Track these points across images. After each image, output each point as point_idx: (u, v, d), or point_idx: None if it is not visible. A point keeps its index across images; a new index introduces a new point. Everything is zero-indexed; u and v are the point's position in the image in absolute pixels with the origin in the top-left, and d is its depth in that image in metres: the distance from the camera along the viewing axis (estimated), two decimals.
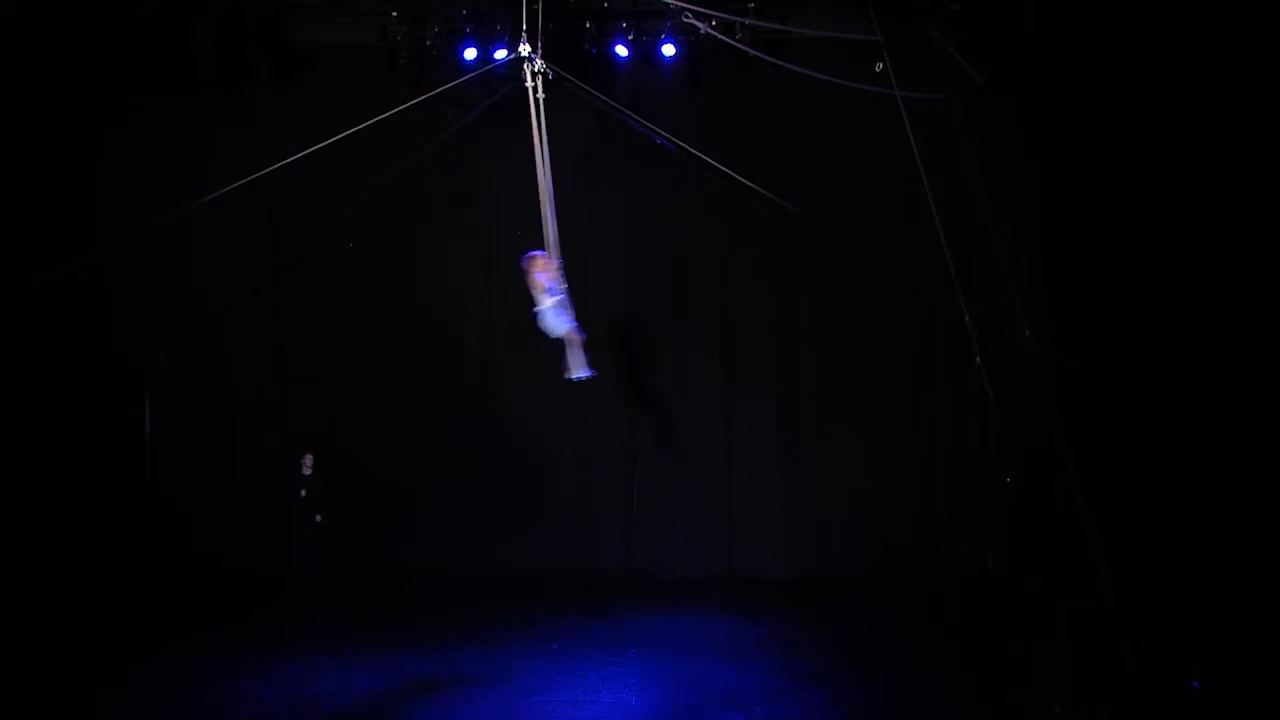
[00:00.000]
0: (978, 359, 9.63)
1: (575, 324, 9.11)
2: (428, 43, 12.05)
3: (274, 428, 12.76)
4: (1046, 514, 9.46)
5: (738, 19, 11.33)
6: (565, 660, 9.75)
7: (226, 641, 10.12)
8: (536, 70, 9.14)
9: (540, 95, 9.05)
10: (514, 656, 9.79)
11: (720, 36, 11.31)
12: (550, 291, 8.97)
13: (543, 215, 9.05)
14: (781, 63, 11.51)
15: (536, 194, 12.50)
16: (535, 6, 9.34)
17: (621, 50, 12.01)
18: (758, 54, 11.48)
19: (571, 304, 8.98)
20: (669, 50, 11.99)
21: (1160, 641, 8.75)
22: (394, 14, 11.94)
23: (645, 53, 12.09)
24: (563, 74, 9.62)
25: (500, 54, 11.51)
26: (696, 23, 11.23)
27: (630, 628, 10.70)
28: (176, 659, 9.67)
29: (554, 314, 8.99)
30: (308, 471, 11.95)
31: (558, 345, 9.29)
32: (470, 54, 11.92)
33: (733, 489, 12.58)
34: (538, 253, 9.10)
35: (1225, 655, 8.64)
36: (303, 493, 11.87)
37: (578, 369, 9.19)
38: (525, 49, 9.23)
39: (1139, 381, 10.81)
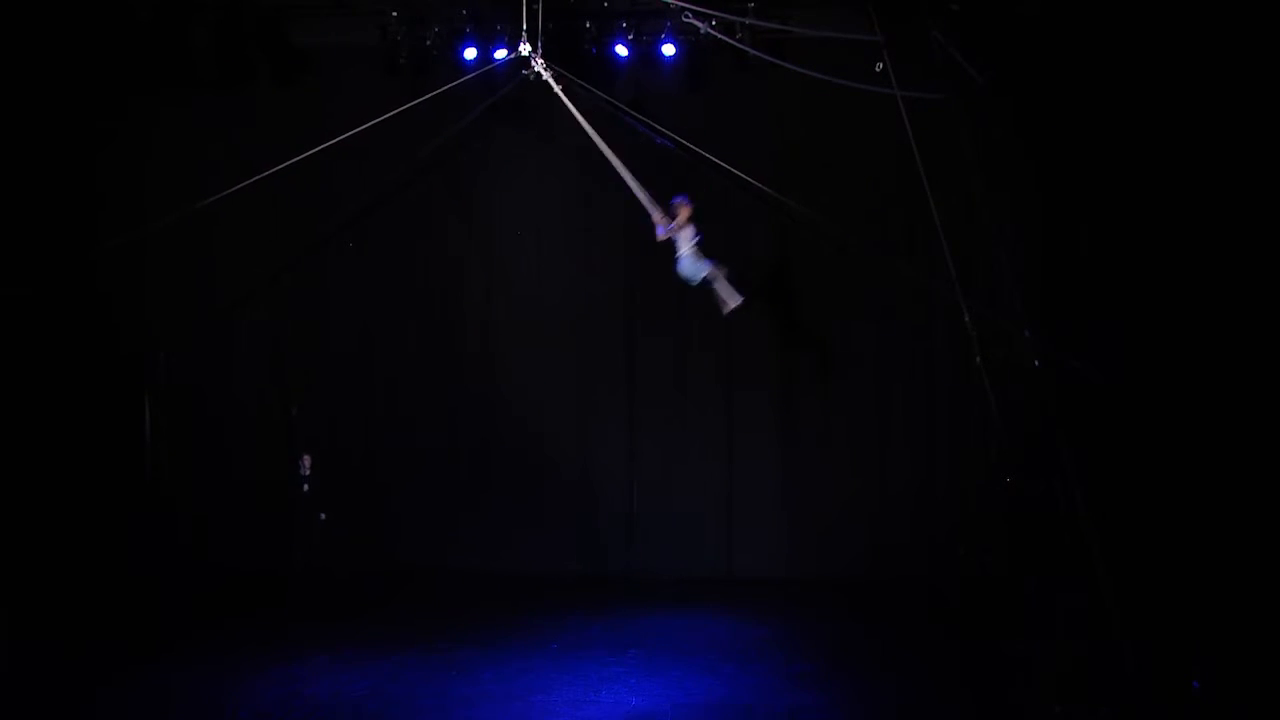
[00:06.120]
0: (978, 359, 9.62)
1: (713, 261, 9.66)
2: (428, 43, 12.05)
3: (274, 428, 12.75)
4: (1046, 514, 9.45)
5: (738, 19, 11.33)
6: (565, 660, 9.74)
7: (226, 641, 10.11)
8: (541, 69, 9.20)
9: (558, 87, 9.19)
10: (514, 656, 9.78)
11: (720, 36, 11.31)
12: (692, 236, 9.62)
13: (633, 184, 9.66)
14: (781, 62, 11.52)
15: (537, 193, 12.63)
16: (535, 6, 9.38)
17: (621, 50, 12.01)
18: (758, 54, 11.48)
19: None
20: (669, 50, 11.98)
21: (1160, 641, 8.75)
22: (394, 14, 11.94)
23: (645, 53, 12.09)
24: (563, 73, 9.64)
25: (500, 54, 11.52)
26: (696, 23, 11.22)
27: (630, 628, 10.69)
28: (176, 659, 9.66)
29: (695, 258, 9.66)
30: (306, 472, 11.94)
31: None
32: (470, 54, 11.92)
33: (733, 489, 12.58)
34: (682, 198, 9.70)
35: (1225, 655, 8.65)
36: (305, 487, 11.85)
37: (732, 300, 9.82)
38: (525, 49, 9.26)
39: (1139, 381, 10.82)
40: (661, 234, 9.79)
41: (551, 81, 9.44)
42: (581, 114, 9.96)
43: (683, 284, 12.56)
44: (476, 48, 11.91)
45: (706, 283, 10.00)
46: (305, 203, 12.56)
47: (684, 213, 9.73)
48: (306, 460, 11.97)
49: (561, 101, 9.72)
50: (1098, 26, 10.96)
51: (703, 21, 11.20)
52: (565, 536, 12.61)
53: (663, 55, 12.05)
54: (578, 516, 12.67)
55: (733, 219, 12.35)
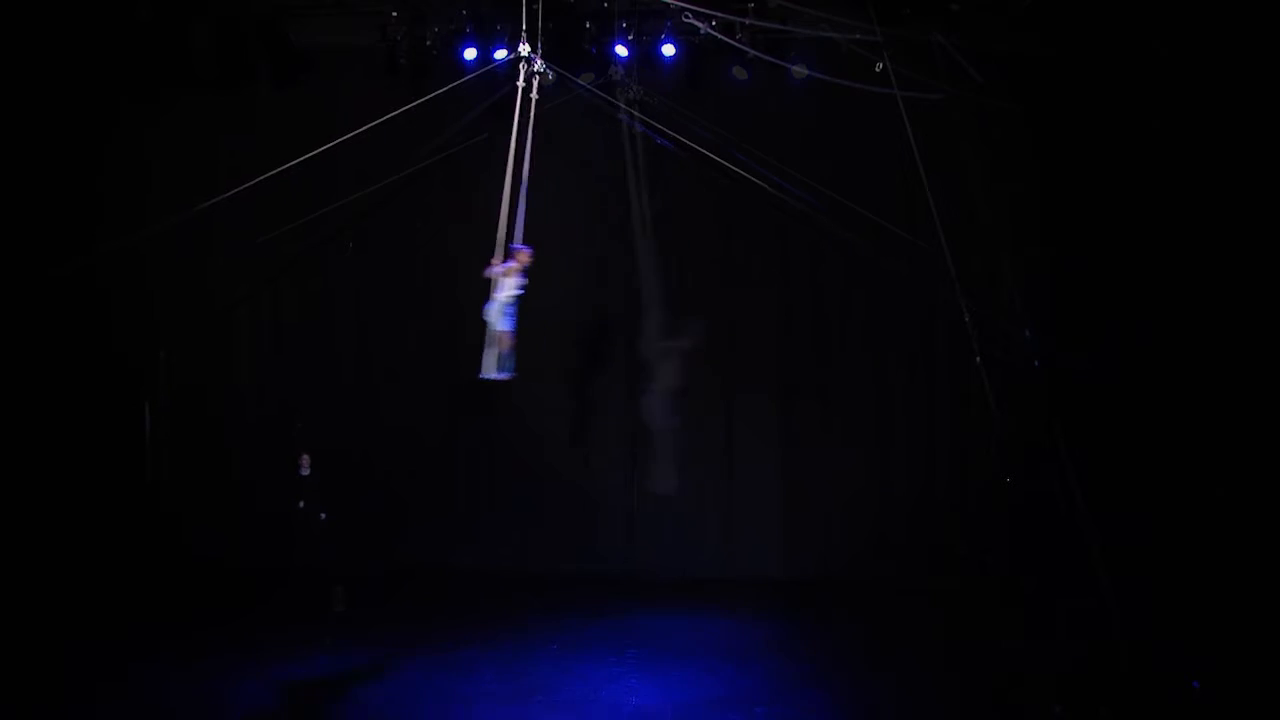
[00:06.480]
0: (978, 359, 9.62)
1: (512, 329, 9.47)
2: (428, 43, 12.06)
3: (274, 427, 12.75)
4: (1046, 514, 9.46)
5: (738, 19, 11.33)
6: (565, 660, 9.76)
7: (227, 641, 10.13)
8: (535, 70, 9.17)
9: (534, 95, 9.10)
10: (514, 656, 9.80)
11: (720, 36, 11.31)
12: (515, 287, 9.40)
13: (506, 210, 9.35)
14: (782, 63, 11.51)
15: (538, 192, 12.58)
16: (535, 6, 9.35)
17: (621, 50, 12.00)
18: (758, 54, 11.48)
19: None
20: (669, 50, 11.98)
21: (1160, 641, 8.76)
22: (394, 14, 11.95)
23: (645, 53, 12.09)
24: (563, 74, 9.62)
25: (500, 54, 11.51)
26: (696, 23, 11.23)
27: (630, 628, 10.71)
28: (176, 658, 9.68)
29: (506, 310, 9.43)
30: (305, 472, 11.91)
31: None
32: (470, 54, 11.93)
33: (733, 489, 12.58)
34: (527, 247, 9.42)
35: (1225, 655, 8.66)
36: (301, 503, 11.82)
37: (489, 371, 9.55)
38: (525, 49, 9.24)
39: (1139, 381, 10.82)
40: (488, 272, 9.61)
41: (521, 92, 9.25)
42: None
43: (683, 284, 12.67)
44: (476, 48, 11.91)
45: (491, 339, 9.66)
46: (305, 203, 12.54)
47: (518, 261, 9.53)
48: (306, 460, 11.94)
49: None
50: (1096, 25, 10.96)
51: (703, 22, 11.20)
52: (565, 536, 12.61)
53: (663, 55, 12.05)
54: (578, 516, 12.66)
55: (733, 219, 12.39)
